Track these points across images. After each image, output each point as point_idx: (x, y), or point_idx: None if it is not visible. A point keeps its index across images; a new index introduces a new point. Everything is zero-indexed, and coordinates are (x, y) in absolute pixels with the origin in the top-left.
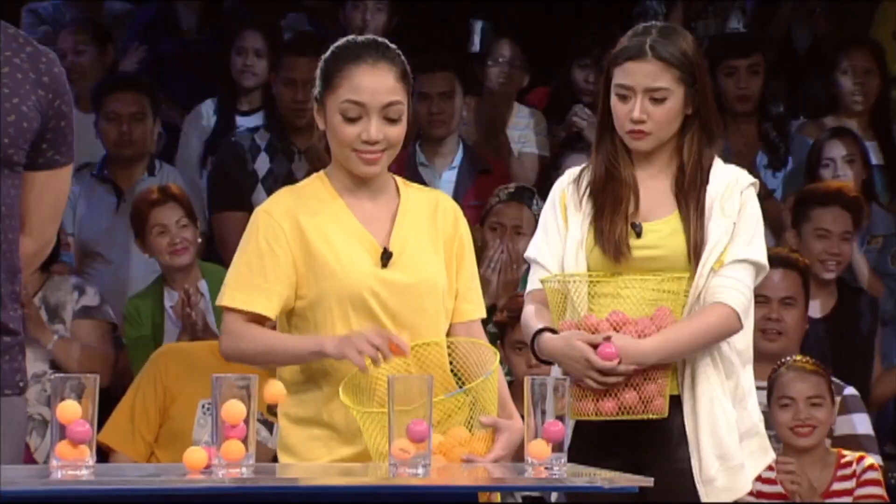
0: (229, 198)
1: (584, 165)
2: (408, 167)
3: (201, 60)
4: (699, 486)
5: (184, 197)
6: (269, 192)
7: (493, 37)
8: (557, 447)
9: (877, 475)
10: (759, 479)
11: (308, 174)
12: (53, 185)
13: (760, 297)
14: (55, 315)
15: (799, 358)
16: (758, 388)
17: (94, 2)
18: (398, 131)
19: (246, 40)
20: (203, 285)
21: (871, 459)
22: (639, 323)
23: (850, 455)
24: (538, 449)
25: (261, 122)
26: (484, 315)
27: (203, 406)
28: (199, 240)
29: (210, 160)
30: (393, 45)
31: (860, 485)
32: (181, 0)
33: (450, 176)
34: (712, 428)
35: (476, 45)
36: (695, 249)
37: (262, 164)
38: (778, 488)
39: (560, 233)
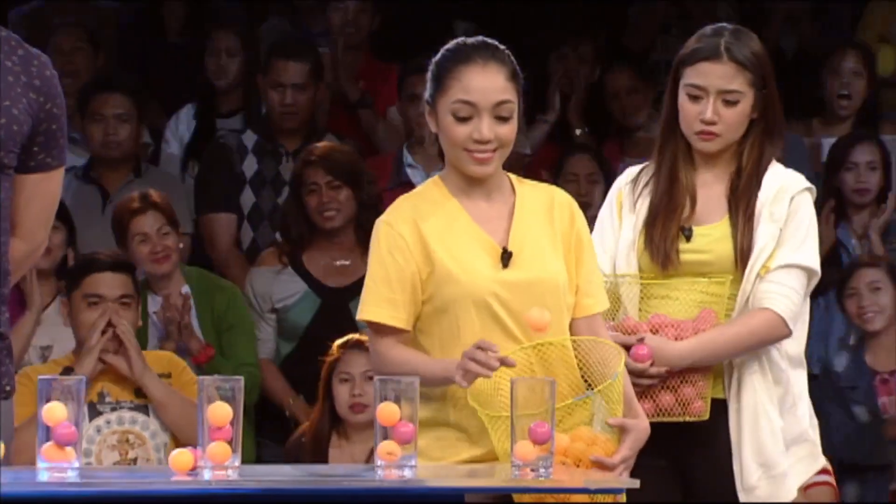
0: (216, 199)
1: (644, 165)
2: (395, 168)
3: (186, 63)
4: (740, 494)
5: (165, 204)
6: (257, 193)
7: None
8: (544, 448)
9: (825, 464)
10: None
11: (294, 175)
12: (45, 188)
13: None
14: None
15: None
16: None
17: (82, 2)
18: (509, 130)
19: (217, 41)
20: (186, 290)
21: None
22: (679, 325)
23: None
24: (524, 450)
25: (240, 124)
26: (606, 307)
27: None
28: (181, 244)
29: (192, 164)
30: (502, 46)
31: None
32: (167, 1)
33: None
34: (755, 436)
35: None
36: (741, 255)
37: (250, 165)
38: None
39: (614, 232)
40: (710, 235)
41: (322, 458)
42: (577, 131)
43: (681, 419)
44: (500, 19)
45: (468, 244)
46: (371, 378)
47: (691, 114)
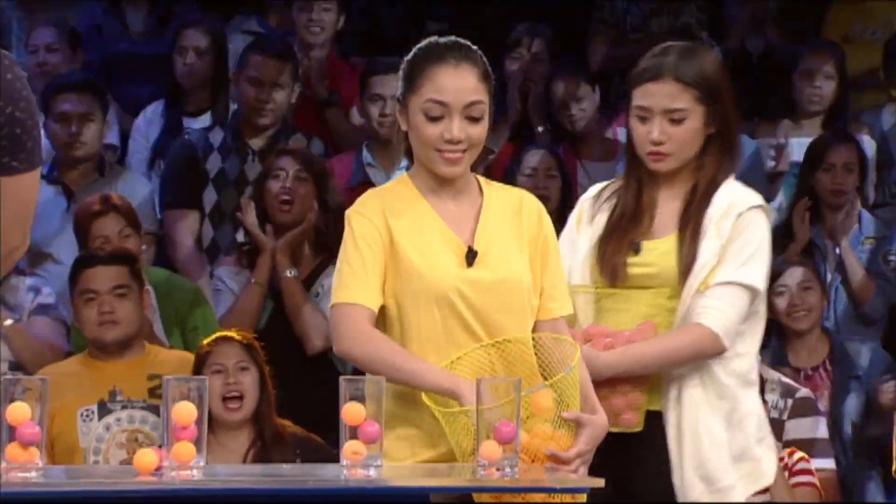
0: (180, 196)
1: (609, 182)
2: (356, 167)
3: (150, 63)
4: None
5: (126, 206)
6: (220, 191)
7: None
8: (509, 448)
9: (808, 465)
10: None
11: (262, 174)
12: (14, 191)
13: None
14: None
15: None
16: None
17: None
18: (480, 130)
19: (186, 39)
20: (150, 291)
21: (801, 454)
22: (613, 335)
23: (783, 451)
24: (489, 449)
25: (208, 123)
26: (570, 312)
27: (82, 414)
28: (144, 247)
29: (158, 163)
30: (474, 47)
31: (793, 475)
32: (129, 1)
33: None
34: (696, 449)
35: None
36: (685, 269)
37: (214, 163)
38: None
39: (572, 245)
40: (658, 249)
41: None
42: (540, 129)
43: (610, 430)
44: (469, 19)
45: (434, 241)
46: (244, 369)
47: (641, 135)
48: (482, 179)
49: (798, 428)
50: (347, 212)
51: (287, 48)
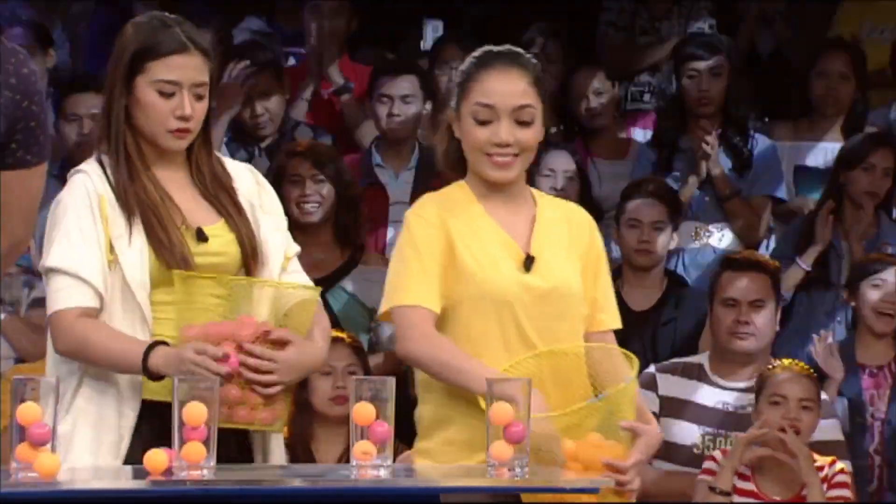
0: None
1: (108, 161)
2: (365, 167)
3: None
4: None
5: None
6: None
7: (444, 43)
8: (519, 448)
9: (846, 478)
10: (737, 475)
11: (278, 167)
12: (24, 184)
13: (730, 301)
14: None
15: (790, 361)
16: (735, 389)
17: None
18: (530, 135)
19: None
20: None
21: (842, 464)
22: (207, 331)
23: (821, 460)
24: (499, 450)
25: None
26: (619, 326)
27: None
28: None
29: None
30: (528, 54)
31: (830, 487)
32: (140, 1)
33: (407, 177)
34: None
35: (428, 45)
36: (252, 253)
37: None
38: (751, 485)
39: (100, 242)
40: (223, 237)
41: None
42: (552, 129)
43: (250, 427)
44: (473, 17)
45: (492, 246)
46: (352, 373)
47: (165, 110)
48: (535, 191)
49: (817, 430)
50: (406, 213)
51: (267, 51)
